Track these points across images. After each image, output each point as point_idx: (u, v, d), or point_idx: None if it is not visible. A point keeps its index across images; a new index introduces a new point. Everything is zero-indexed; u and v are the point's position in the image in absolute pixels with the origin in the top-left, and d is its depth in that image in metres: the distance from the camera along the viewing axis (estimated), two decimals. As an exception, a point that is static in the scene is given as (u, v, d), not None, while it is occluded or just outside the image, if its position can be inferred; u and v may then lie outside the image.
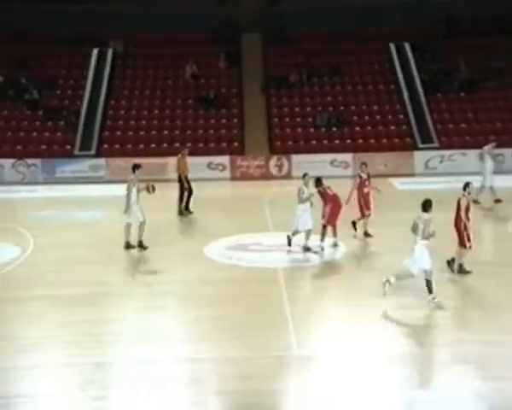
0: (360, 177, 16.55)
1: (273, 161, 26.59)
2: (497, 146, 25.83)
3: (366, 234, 16.48)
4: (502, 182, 22.94)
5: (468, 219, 13.28)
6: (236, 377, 9.62)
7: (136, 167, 15.70)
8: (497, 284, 13.22)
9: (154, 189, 15.60)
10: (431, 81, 29.29)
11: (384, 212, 18.84)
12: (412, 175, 25.35)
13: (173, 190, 25.03)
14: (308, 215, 15.18)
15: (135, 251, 15.72)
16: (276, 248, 16.08)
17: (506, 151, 25.64)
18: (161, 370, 9.90)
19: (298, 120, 28.64)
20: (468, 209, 13.32)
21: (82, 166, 26.79)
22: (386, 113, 28.60)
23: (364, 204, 16.43)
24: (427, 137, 27.43)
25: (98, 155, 27.42)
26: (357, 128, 28.01)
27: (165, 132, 28.32)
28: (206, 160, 26.54)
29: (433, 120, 27.94)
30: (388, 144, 27.12)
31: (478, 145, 26.32)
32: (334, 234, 15.74)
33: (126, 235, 15.82)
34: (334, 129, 28.00)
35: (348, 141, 27.49)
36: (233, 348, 10.52)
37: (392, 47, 30.80)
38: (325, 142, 27.53)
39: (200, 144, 27.64)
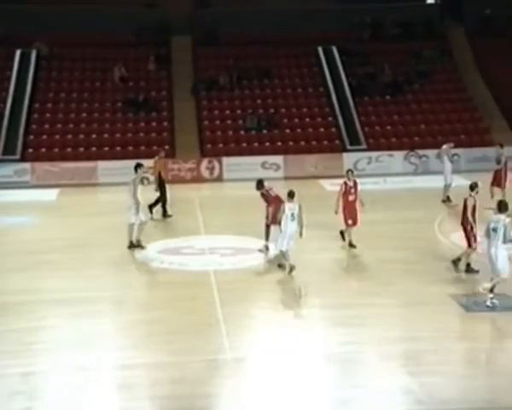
0: (345, 184, 15.66)
1: (204, 163, 26.54)
2: (422, 147, 26.79)
3: (350, 245, 15.67)
4: (427, 182, 23.59)
5: (474, 219, 13.37)
6: (169, 381, 9.56)
7: (138, 166, 15.95)
8: (418, 282, 13.63)
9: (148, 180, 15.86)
10: (358, 84, 29.89)
11: (314, 213, 19.07)
12: (341, 176, 25.63)
13: (104, 195, 24.69)
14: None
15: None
16: (208, 251, 16.06)
17: (430, 152, 26.41)
18: (93, 377, 9.73)
19: (228, 122, 28.70)
20: (474, 210, 13.40)
21: (6, 170, 25.98)
22: (315, 115, 28.99)
23: (348, 213, 15.53)
24: (355, 139, 27.96)
25: (23, 159, 26.65)
26: (288, 130, 28.29)
27: (94, 136, 27.81)
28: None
29: (361, 123, 28.51)
30: (318, 146, 27.50)
31: (403, 147, 27.13)
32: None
33: (134, 235, 15.66)
34: (265, 131, 28.19)
35: (279, 143, 27.72)
36: (165, 352, 10.44)
37: (321, 51, 31.27)
38: (256, 144, 27.68)
39: (130, 148, 27.29)
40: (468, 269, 13.70)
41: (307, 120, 28.74)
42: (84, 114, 28.61)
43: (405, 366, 10.02)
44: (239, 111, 29.05)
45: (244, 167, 25.94)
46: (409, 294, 12.81)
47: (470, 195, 13.55)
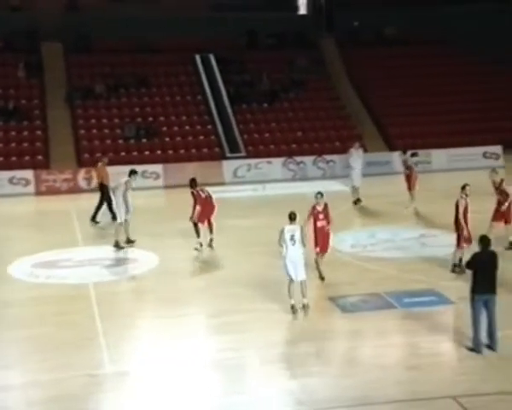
0: (313, 208, 13.74)
1: (81, 174, 25.76)
2: (299, 154, 27.49)
3: (320, 276, 13.82)
4: (305, 188, 24.19)
5: (466, 220, 13.60)
6: (46, 400, 9.19)
7: (133, 173, 17.06)
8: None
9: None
10: (236, 92, 30.23)
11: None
12: (222, 184, 25.94)
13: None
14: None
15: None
16: (87, 262, 15.61)
17: (307, 159, 27.15)
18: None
19: (106, 131, 28.08)
20: (466, 211, 13.62)
21: None
22: (194, 123, 28.98)
23: (318, 240, 13.63)
24: (234, 147, 28.23)
25: None
26: (167, 139, 28.09)
27: (-40, 146, 26.33)
28: (7, 174, 25.06)
29: (240, 130, 28.82)
30: (197, 154, 27.51)
31: (282, 154, 27.72)
32: (211, 231, 16.22)
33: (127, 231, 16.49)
34: (144, 140, 27.84)
35: (158, 152, 27.48)
36: (42, 370, 10.03)
37: (198, 58, 31.35)
38: (135, 153, 27.26)
39: (1, 158, 26.05)
40: (454, 269, 13.87)
41: (186, 128, 28.70)
42: None
43: (286, 368, 10.23)
44: (116, 120, 28.52)
45: (124, 177, 25.35)
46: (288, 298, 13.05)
47: (462, 196, 13.79)
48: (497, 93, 30.16)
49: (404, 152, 20.90)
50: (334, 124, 29.59)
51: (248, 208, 21.10)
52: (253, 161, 27.12)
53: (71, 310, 12.60)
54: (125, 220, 16.44)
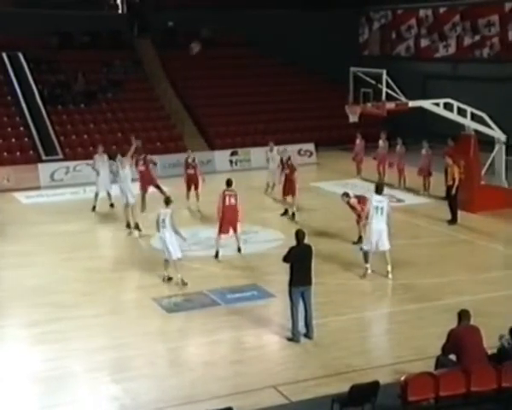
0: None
1: None
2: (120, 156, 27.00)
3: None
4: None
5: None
6: None
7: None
8: (120, 289, 13.76)
9: None
10: (50, 93, 28.96)
11: (10, 228, 18.05)
12: (38, 188, 24.75)
13: None
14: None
15: None
16: None
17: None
18: None
19: None
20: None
21: None
22: (5, 126, 27.29)
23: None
24: (50, 149, 27.04)
25: None
26: (-26, 142, 26.27)
27: None
28: None
29: (56, 132, 27.66)
30: (10, 158, 25.98)
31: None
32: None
33: None
34: None
35: (-36, 156, 25.58)
36: None
37: (5, 57, 29.59)
38: None
39: None
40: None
41: (-4, 130, 27.03)
42: None
43: (110, 374, 10.03)
44: None
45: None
46: (111, 302, 12.83)
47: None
48: (310, 95, 31.84)
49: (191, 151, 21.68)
50: (155, 125, 29.43)
51: (68, 213, 20.33)
52: (71, 164, 26.18)
53: None
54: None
